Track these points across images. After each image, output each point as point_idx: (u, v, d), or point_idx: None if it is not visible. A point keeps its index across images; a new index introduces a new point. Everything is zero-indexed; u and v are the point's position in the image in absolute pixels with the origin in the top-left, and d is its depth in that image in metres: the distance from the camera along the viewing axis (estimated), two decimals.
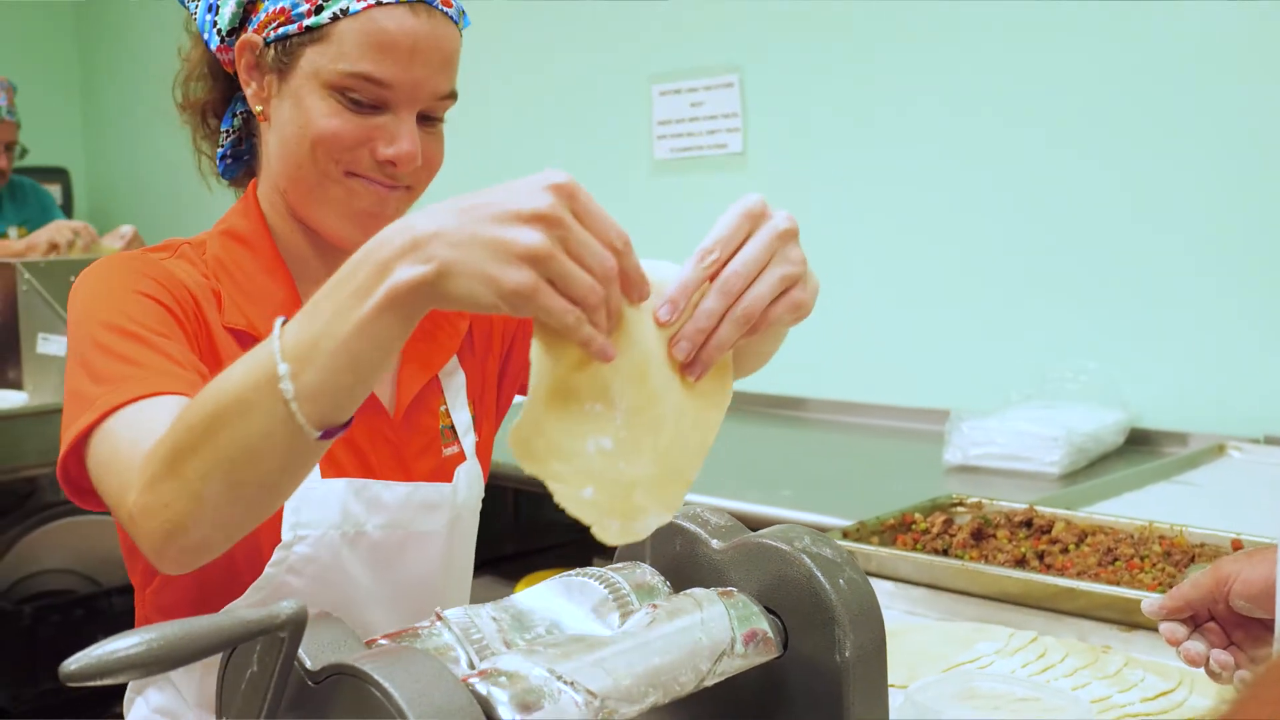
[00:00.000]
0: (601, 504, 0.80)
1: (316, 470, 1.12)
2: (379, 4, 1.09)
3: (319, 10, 1.10)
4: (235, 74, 1.18)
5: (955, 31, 2.67)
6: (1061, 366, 2.50)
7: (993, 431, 2.28)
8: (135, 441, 0.93)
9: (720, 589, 0.89)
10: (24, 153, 3.75)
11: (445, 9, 1.13)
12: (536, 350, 0.79)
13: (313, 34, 1.11)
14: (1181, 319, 2.42)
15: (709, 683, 0.84)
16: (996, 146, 2.64)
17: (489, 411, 1.32)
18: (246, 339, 1.13)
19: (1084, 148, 2.51)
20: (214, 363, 1.11)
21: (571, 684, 0.76)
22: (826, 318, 2.91)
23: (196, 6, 1.19)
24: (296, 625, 0.69)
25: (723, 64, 3.08)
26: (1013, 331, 2.65)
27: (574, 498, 0.79)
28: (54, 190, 4.78)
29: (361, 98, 1.10)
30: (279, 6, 1.12)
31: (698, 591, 0.88)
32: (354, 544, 1.15)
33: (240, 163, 1.25)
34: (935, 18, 2.70)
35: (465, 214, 0.77)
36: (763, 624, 0.87)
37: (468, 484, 1.25)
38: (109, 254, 1.41)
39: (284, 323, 0.83)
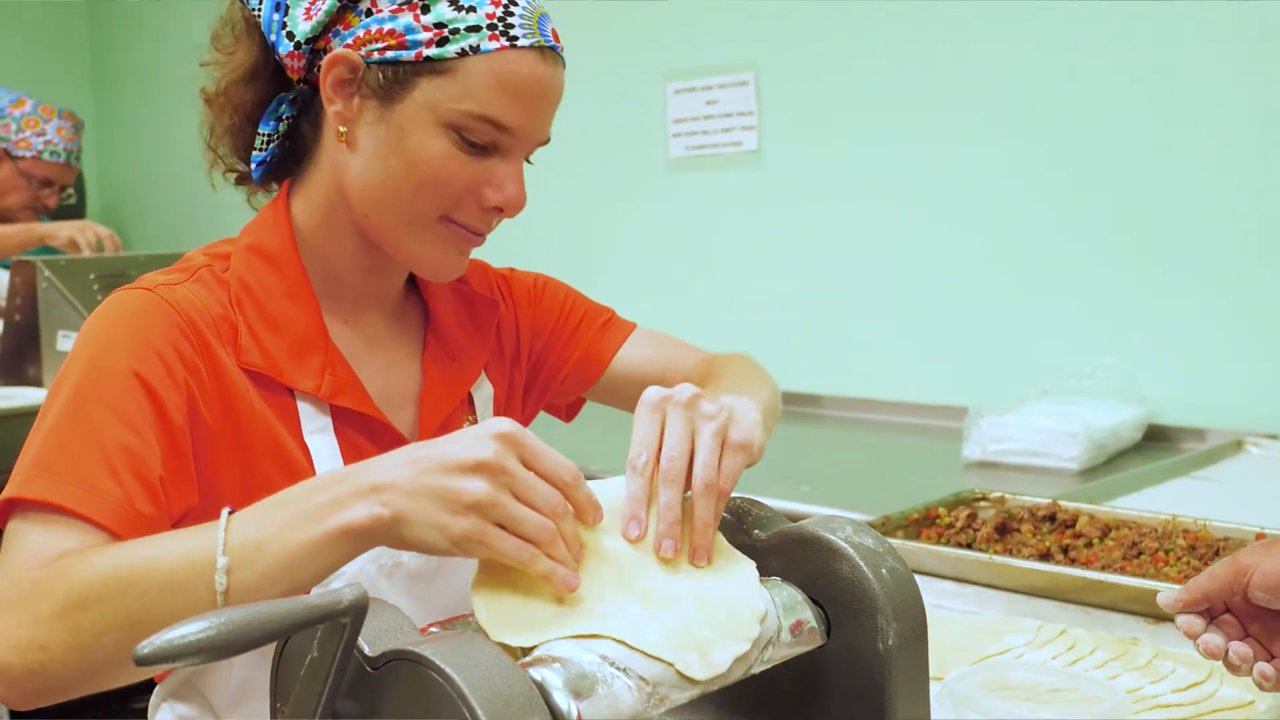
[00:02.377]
0: (671, 640, 0.80)
1: None
2: (513, 47, 1.06)
3: (443, 42, 1.05)
4: (299, 80, 1.13)
5: (971, 28, 2.68)
6: (1079, 363, 2.50)
7: (1011, 427, 2.28)
8: (29, 550, 0.91)
9: (764, 578, 0.90)
10: (71, 196, 3.73)
11: (561, 54, 1.12)
12: (482, 599, 0.81)
13: (433, 65, 1.06)
14: (1198, 315, 2.42)
15: (756, 670, 0.85)
16: (1011, 143, 2.64)
17: (515, 420, 1.31)
18: (263, 380, 1.09)
19: (1099, 144, 2.52)
20: (224, 407, 1.06)
21: (624, 670, 0.77)
22: (842, 315, 2.94)
23: (260, 3, 1.11)
24: (358, 611, 0.70)
25: (738, 62, 3.08)
26: (1030, 328, 2.65)
27: (644, 640, 0.79)
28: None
29: (477, 140, 1.07)
30: (387, 28, 1.06)
31: None
32: (391, 575, 1.13)
33: (271, 168, 1.20)
34: (950, 15, 2.70)
35: (416, 464, 0.83)
36: (808, 613, 0.88)
37: None
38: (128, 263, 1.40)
39: (230, 513, 0.87)
